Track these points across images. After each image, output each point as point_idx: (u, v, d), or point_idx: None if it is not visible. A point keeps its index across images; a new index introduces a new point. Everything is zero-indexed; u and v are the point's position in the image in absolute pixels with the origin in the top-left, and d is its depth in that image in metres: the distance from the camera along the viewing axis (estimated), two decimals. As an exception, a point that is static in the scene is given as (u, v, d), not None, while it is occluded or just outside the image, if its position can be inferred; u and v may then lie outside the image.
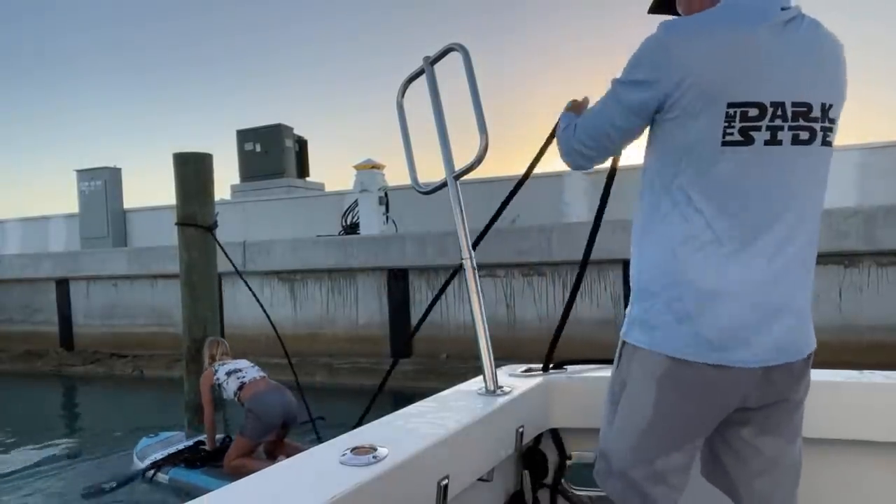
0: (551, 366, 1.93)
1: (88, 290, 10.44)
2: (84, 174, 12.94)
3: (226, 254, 5.48)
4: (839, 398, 1.65)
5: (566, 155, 1.44)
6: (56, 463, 5.38)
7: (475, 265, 1.74)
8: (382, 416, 1.47)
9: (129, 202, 13.28)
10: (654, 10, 1.44)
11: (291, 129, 13.48)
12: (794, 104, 1.16)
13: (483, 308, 1.72)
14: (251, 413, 4.31)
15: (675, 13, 1.37)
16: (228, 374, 4.53)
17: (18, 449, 5.84)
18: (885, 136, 9.67)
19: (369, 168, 10.04)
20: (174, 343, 8.87)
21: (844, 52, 1.26)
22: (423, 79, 1.87)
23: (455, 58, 1.80)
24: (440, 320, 8.11)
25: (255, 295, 5.44)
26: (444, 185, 1.82)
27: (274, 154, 13.07)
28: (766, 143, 1.17)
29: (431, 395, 1.68)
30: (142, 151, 30.40)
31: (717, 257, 1.21)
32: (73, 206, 13.30)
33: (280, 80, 29.46)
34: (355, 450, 1.17)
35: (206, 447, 4.78)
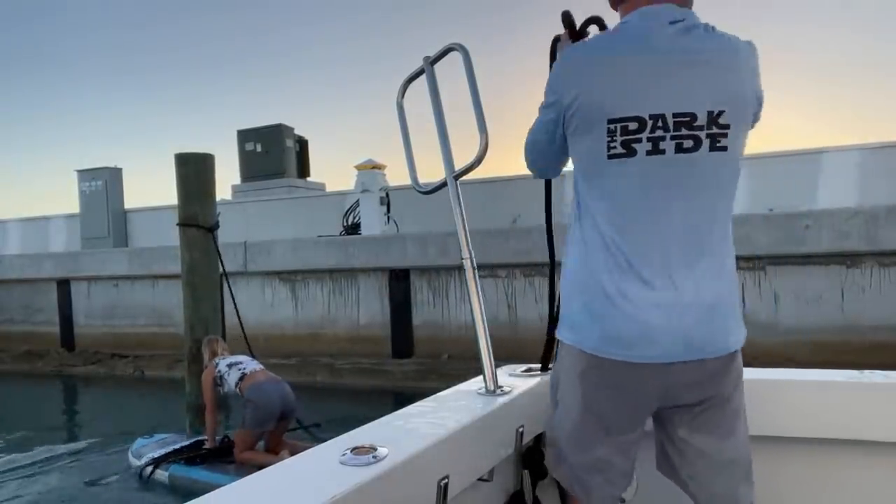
0: (550, 365, 1.92)
1: (89, 290, 10.44)
2: (85, 174, 12.93)
3: (219, 255, 5.47)
4: (839, 398, 1.64)
5: (527, 167, 1.59)
6: (55, 463, 5.39)
7: (475, 265, 1.75)
8: (382, 416, 1.47)
9: (129, 202, 13.29)
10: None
11: (292, 129, 13.48)
12: (675, 115, 1.23)
13: (483, 308, 1.72)
14: (251, 402, 4.43)
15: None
16: (230, 366, 4.64)
17: (18, 448, 5.83)
18: (885, 137, 9.69)
19: (370, 168, 10.04)
20: (175, 343, 8.86)
21: (751, 54, 1.30)
22: (423, 79, 1.87)
23: (455, 58, 1.80)
24: (442, 320, 8.10)
25: (233, 298, 5.41)
26: (444, 185, 1.82)
27: (275, 154, 13.07)
28: (649, 153, 1.25)
29: (432, 395, 1.68)
30: (142, 151, 30.42)
31: (617, 263, 1.30)
32: (73, 207, 13.32)
33: (281, 81, 29.49)
34: (355, 450, 1.17)
35: (207, 445, 4.80)
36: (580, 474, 1.44)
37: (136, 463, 4.85)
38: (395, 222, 9.95)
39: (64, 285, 10.58)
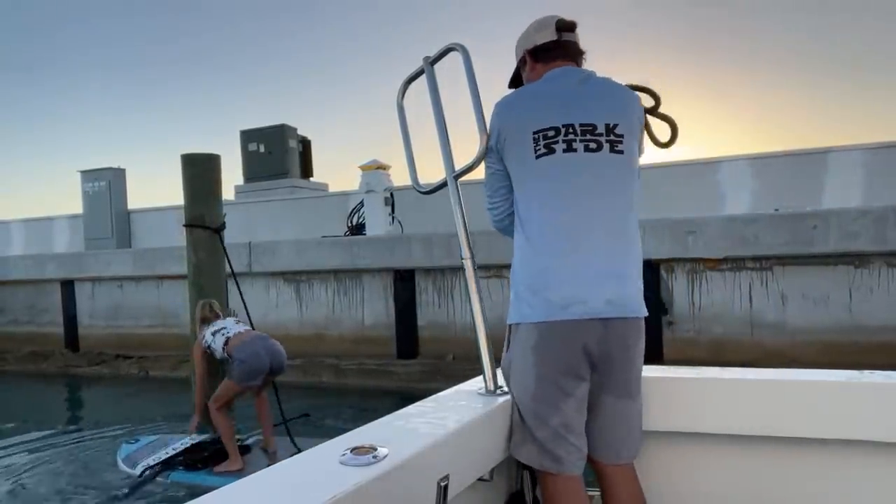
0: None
1: (93, 291, 10.44)
2: (88, 175, 12.93)
3: (227, 256, 5.45)
4: (840, 398, 1.64)
5: (497, 226, 1.91)
6: (53, 463, 5.37)
7: (475, 265, 1.76)
8: (384, 416, 1.47)
9: (132, 203, 13.29)
10: (511, 85, 1.95)
11: (295, 129, 13.47)
12: (581, 125, 1.67)
13: (483, 308, 1.73)
14: (237, 359, 4.43)
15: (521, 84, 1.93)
16: (213, 333, 4.64)
17: (19, 447, 5.84)
18: (891, 136, 9.66)
19: (375, 168, 10.03)
20: (179, 344, 8.86)
21: (628, 91, 1.79)
22: (423, 79, 1.88)
23: (455, 58, 1.80)
24: (447, 321, 8.09)
25: (242, 298, 5.40)
26: (443, 184, 1.83)
27: (277, 154, 13.06)
28: (565, 150, 1.66)
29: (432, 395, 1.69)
30: (145, 152, 30.42)
31: (548, 243, 1.65)
32: (76, 207, 13.31)
33: (284, 81, 29.47)
34: (355, 450, 1.17)
35: (192, 422, 4.82)
36: (547, 446, 1.63)
37: (129, 470, 4.76)
38: (399, 223, 9.94)
39: (68, 286, 10.57)
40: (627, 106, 1.74)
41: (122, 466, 4.86)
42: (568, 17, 1.81)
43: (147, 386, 8.71)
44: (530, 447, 1.65)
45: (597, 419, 1.71)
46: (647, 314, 1.72)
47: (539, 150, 1.67)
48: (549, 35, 1.79)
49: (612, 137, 1.68)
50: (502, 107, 1.76)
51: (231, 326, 4.68)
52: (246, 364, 4.42)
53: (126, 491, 4.54)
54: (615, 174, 1.69)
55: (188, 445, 4.99)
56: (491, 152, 1.76)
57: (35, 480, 4.99)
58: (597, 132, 1.67)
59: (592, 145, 1.66)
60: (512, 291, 1.72)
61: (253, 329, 4.86)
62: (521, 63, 1.88)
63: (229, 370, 4.54)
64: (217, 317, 4.87)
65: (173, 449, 4.96)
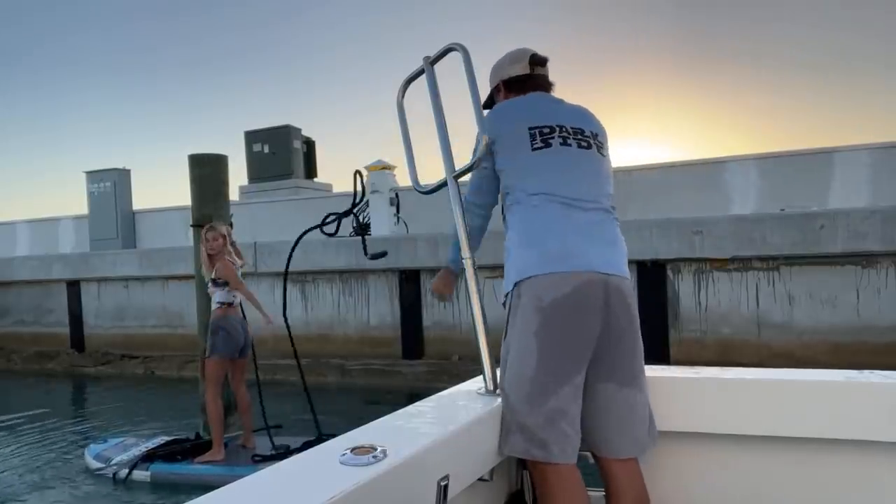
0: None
1: (99, 291, 10.46)
2: (93, 176, 12.98)
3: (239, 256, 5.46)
4: (839, 398, 1.64)
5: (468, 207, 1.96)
6: (52, 464, 5.38)
7: (475, 265, 1.76)
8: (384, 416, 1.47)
9: (137, 204, 13.32)
10: (486, 106, 2.03)
11: (299, 130, 13.51)
12: (572, 127, 1.82)
13: (483, 308, 1.73)
14: (223, 330, 4.72)
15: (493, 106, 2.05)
16: (227, 289, 4.84)
17: (19, 447, 5.85)
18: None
19: (380, 169, 10.04)
20: (185, 344, 8.88)
21: (591, 112, 1.95)
22: (423, 79, 1.88)
23: (455, 58, 1.81)
24: (452, 322, 8.09)
25: (284, 300, 5.43)
26: (443, 184, 1.83)
27: (282, 155, 13.09)
28: (561, 144, 1.79)
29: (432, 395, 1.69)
30: (150, 153, 30.51)
31: (544, 210, 1.72)
32: (82, 208, 13.35)
33: (288, 82, 29.51)
34: (355, 450, 1.16)
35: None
36: (536, 434, 1.58)
37: (101, 465, 4.81)
38: (404, 223, 9.95)
39: (74, 287, 10.61)
40: (599, 124, 1.93)
41: (95, 464, 4.88)
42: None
43: (153, 386, 8.72)
44: (516, 436, 1.59)
45: (599, 410, 1.67)
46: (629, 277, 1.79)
47: (536, 143, 1.78)
48: (523, 69, 1.96)
49: (597, 142, 1.85)
50: (497, 111, 1.91)
51: (236, 298, 4.90)
52: (231, 337, 4.72)
53: (112, 486, 4.58)
54: (605, 171, 1.85)
55: (164, 441, 5.11)
56: (487, 155, 1.83)
57: (13, 478, 4.96)
58: (585, 134, 1.83)
59: (584, 143, 1.81)
60: (506, 262, 1.74)
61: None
62: (496, 91, 2.04)
63: (212, 343, 4.72)
64: (229, 243, 5.00)
65: (153, 443, 5.07)
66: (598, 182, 1.80)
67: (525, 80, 1.94)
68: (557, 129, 1.79)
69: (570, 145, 1.78)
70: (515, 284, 1.68)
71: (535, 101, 1.90)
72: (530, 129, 1.78)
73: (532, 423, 1.58)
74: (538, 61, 1.96)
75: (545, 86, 1.97)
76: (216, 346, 4.70)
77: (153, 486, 4.55)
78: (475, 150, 1.79)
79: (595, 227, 1.72)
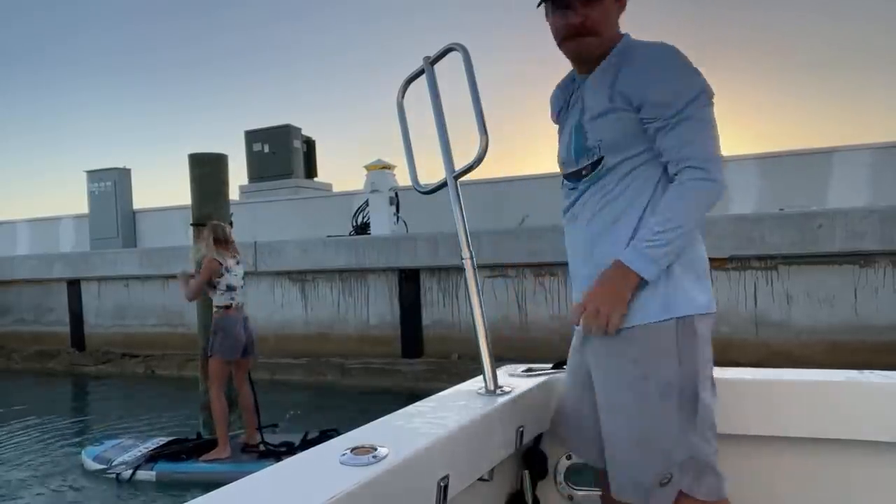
0: (551, 365, 1.94)
1: (99, 290, 10.48)
2: (94, 175, 12.98)
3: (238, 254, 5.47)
4: (839, 398, 1.64)
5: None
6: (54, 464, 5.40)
7: (475, 265, 1.76)
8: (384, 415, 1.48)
9: (138, 203, 13.33)
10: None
11: (299, 129, 13.50)
12: None
13: (483, 307, 1.73)
14: (222, 331, 4.68)
15: None
16: (229, 287, 4.77)
17: (19, 447, 5.87)
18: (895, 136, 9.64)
19: (380, 168, 10.05)
20: (185, 343, 8.89)
21: None
22: (423, 79, 1.87)
23: (455, 58, 1.79)
24: (452, 320, 8.11)
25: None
26: (443, 184, 1.82)
27: (282, 155, 13.09)
28: None
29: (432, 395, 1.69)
30: (150, 152, 30.49)
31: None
32: (82, 207, 13.36)
33: (289, 81, 29.50)
34: (355, 450, 1.17)
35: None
36: (717, 469, 1.48)
37: (102, 467, 4.81)
38: (404, 222, 9.96)
39: (75, 286, 10.62)
40: None
41: (95, 465, 4.87)
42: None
43: (153, 384, 8.74)
44: (710, 478, 1.47)
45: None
46: None
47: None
48: None
49: None
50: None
51: (239, 297, 4.86)
52: (230, 338, 4.70)
53: (117, 487, 4.58)
54: None
55: (164, 441, 5.12)
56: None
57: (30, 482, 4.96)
58: None
59: None
60: (671, 284, 1.47)
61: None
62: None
63: (211, 343, 4.73)
64: (229, 242, 4.90)
65: (152, 444, 5.07)
66: None
67: None
68: None
69: None
70: (692, 316, 1.48)
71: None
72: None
73: (709, 455, 1.48)
74: None
75: None
76: (215, 346, 4.73)
77: (159, 485, 4.56)
78: (478, 151, 1.74)
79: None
